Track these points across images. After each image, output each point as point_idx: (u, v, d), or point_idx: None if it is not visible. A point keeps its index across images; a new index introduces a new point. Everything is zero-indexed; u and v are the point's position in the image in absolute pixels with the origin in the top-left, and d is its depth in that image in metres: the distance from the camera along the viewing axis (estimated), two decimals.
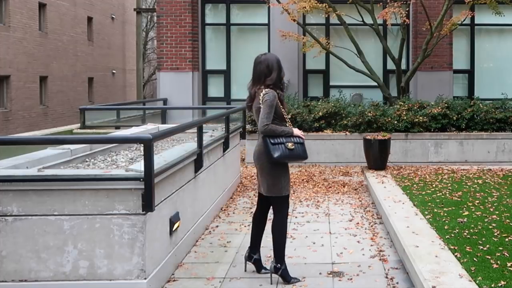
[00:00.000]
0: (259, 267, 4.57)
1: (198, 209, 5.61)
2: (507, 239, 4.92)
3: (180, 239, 4.87)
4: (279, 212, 4.41)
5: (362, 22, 11.96)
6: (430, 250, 4.51)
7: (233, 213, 6.70)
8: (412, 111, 10.14)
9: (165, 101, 13.25)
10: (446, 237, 4.95)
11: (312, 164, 9.99)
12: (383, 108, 10.40)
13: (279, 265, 4.34)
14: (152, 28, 30.18)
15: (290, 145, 4.24)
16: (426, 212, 5.87)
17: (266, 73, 4.29)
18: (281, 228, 4.39)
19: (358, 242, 5.47)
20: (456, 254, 4.45)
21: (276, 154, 4.18)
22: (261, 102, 4.22)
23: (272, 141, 4.21)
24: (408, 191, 7.02)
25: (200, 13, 13.78)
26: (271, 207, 4.49)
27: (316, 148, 10.05)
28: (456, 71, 13.78)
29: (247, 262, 4.59)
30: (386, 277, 4.49)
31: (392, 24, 11.89)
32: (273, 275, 4.36)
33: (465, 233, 5.09)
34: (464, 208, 6.11)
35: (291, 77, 13.37)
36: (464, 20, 11.62)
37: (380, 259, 4.93)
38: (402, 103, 10.38)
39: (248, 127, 9.94)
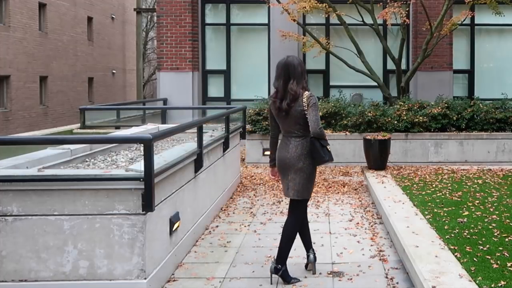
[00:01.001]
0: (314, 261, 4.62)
1: (198, 209, 5.61)
2: (507, 239, 4.92)
3: (180, 239, 4.87)
4: (297, 215, 4.44)
5: (362, 22, 11.96)
6: (430, 250, 4.51)
7: (233, 213, 6.70)
8: (412, 111, 10.14)
9: (165, 101, 13.25)
10: (446, 237, 4.95)
11: None
12: (383, 108, 10.40)
13: (279, 266, 4.34)
14: (152, 28, 30.19)
15: (328, 148, 4.37)
16: (426, 212, 5.87)
17: (304, 75, 4.38)
18: (293, 231, 4.41)
19: (358, 242, 5.47)
20: (456, 254, 4.45)
21: (327, 157, 4.31)
22: (306, 104, 4.27)
23: (322, 143, 4.31)
24: (408, 191, 7.02)
25: (200, 13, 13.78)
26: (292, 207, 4.46)
27: None
28: (456, 71, 13.79)
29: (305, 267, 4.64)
30: (386, 277, 4.49)
31: (392, 24, 11.89)
32: (273, 275, 4.36)
33: (465, 233, 5.09)
34: (464, 208, 6.10)
35: None
36: (464, 20, 11.61)
37: (380, 259, 4.93)
38: (402, 103, 10.37)
39: (248, 127, 9.93)
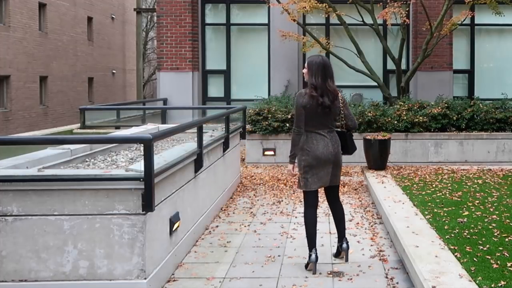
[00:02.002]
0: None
1: (198, 209, 5.61)
2: (507, 239, 4.92)
3: (180, 239, 4.87)
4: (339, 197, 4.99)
5: (362, 22, 11.96)
6: (430, 250, 4.51)
7: (233, 213, 6.70)
8: (412, 111, 10.14)
9: (165, 101, 13.25)
10: (446, 237, 4.95)
11: None
12: (383, 108, 10.40)
13: (345, 239, 4.85)
14: (152, 28, 30.19)
15: None
16: (426, 212, 5.87)
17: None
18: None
19: (358, 242, 5.47)
20: (456, 254, 4.45)
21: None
22: (342, 102, 4.70)
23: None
24: (408, 191, 7.02)
25: (200, 13, 13.78)
26: (333, 193, 4.93)
27: None
28: (456, 71, 13.78)
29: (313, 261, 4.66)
30: (386, 277, 4.49)
31: (392, 24, 11.88)
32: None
33: (465, 233, 5.09)
34: (464, 208, 6.11)
35: (291, 77, 13.38)
36: (464, 20, 11.61)
37: (380, 259, 4.93)
38: (402, 103, 10.38)
39: (248, 127, 9.93)
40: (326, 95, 4.53)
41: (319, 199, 7.47)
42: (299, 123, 4.61)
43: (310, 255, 4.59)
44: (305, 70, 4.66)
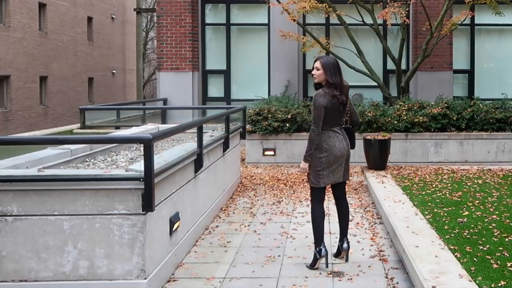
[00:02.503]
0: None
1: (198, 209, 5.61)
2: (507, 239, 4.92)
3: (180, 239, 4.87)
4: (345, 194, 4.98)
5: (362, 22, 11.96)
6: (430, 250, 4.51)
7: (233, 213, 6.70)
8: (412, 111, 10.14)
9: (165, 101, 13.26)
10: (446, 237, 4.95)
11: None
12: (383, 108, 10.40)
13: (345, 239, 4.84)
14: (152, 28, 30.19)
15: None
16: (426, 212, 5.87)
17: None
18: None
19: (358, 242, 5.47)
20: (456, 254, 4.45)
21: None
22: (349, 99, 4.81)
23: None
24: (408, 191, 7.02)
25: (200, 13, 13.78)
26: (342, 190, 4.89)
27: None
28: (456, 71, 13.79)
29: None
30: (386, 277, 4.49)
31: (392, 24, 11.88)
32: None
33: (465, 233, 5.09)
34: (464, 208, 6.11)
35: (291, 77, 13.38)
36: (464, 20, 11.61)
37: (380, 259, 4.93)
38: (402, 103, 10.38)
39: (248, 127, 9.93)
40: (343, 93, 4.64)
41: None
42: (318, 122, 4.58)
43: (320, 250, 4.59)
44: (317, 71, 4.61)
